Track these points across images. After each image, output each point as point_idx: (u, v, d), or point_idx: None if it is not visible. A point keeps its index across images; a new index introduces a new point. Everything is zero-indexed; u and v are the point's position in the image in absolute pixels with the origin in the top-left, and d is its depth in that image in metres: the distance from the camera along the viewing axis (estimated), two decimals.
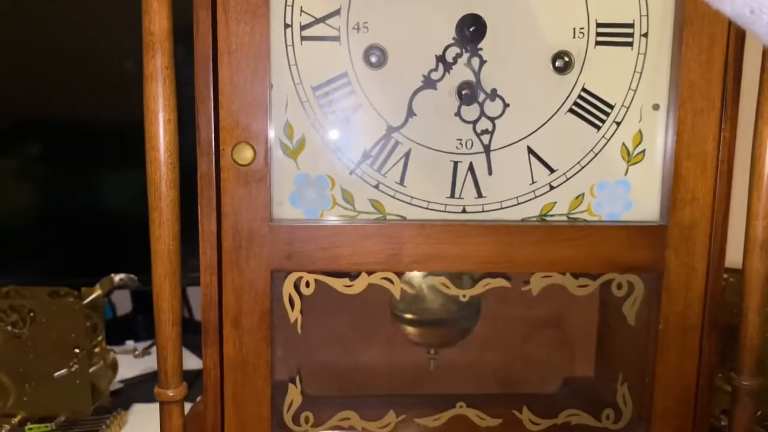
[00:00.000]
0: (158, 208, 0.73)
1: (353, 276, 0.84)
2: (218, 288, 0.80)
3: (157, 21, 0.70)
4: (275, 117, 0.82)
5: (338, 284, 0.84)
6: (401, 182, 0.85)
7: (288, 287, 0.84)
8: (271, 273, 0.80)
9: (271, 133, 0.82)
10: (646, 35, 0.83)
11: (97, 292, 1.16)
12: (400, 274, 0.85)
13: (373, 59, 0.82)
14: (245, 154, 0.77)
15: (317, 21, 0.81)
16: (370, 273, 0.83)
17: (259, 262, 0.80)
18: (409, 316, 0.97)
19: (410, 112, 0.83)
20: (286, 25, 0.81)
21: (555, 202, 0.87)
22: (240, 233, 0.79)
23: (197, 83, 0.76)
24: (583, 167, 0.86)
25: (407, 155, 0.84)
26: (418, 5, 0.82)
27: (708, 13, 0.79)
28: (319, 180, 0.84)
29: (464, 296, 0.87)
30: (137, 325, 1.52)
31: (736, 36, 0.79)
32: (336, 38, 0.82)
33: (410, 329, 1.01)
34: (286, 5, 0.81)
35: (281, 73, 0.82)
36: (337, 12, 0.81)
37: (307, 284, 0.84)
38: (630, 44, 0.84)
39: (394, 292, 0.85)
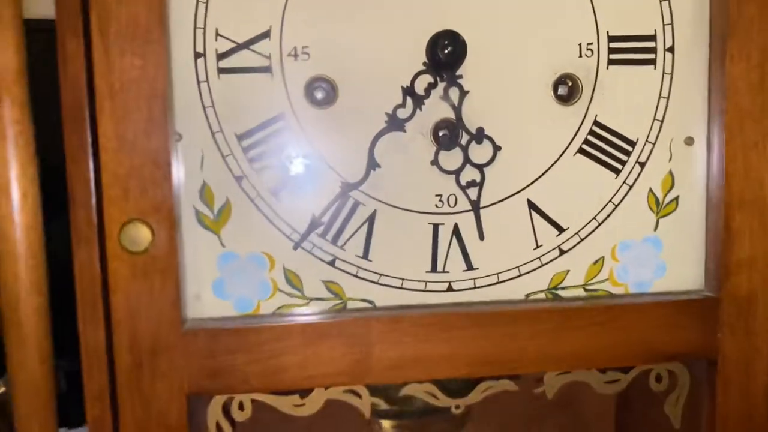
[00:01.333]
0: (17, 322, 0.51)
1: (305, 392, 0.61)
2: (113, 426, 0.56)
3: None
4: (186, 179, 0.61)
5: (285, 404, 0.61)
6: (365, 255, 0.64)
7: (214, 413, 0.61)
8: (187, 398, 0.57)
9: (181, 202, 0.60)
10: (671, 50, 0.65)
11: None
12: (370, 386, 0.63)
13: (319, 95, 0.62)
14: (140, 237, 0.54)
15: (240, 47, 0.61)
16: (327, 387, 0.61)
17: (169, 385, 0.57)
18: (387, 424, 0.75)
19: (372, 163, 0.62)
20: (198, 54, 0.60)
21: (568, 271, 0.66)
22: (140, 345, 0.56)
23: (67, 140, 0.54)
24: (600, 223, 0.66)
25: (371, 219, 0.64)
26: (374, 21, 0.61)
27: (758, 17, 0.60)
28: (252, 260, 0.63)
29: (458, 407, 0.65)
30: None
31: None
32: (267, 69, 0.61)
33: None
34: (195, 27, 0.60)
35: (193, 118, 0.61)
36: (266, 34, 0.61)
37: (242, 406, 0.61)
38: (652, 62, 0.65)
39: (363, 409, 0.62)
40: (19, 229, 0.51)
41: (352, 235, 0.63)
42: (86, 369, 0.56)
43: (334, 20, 0.61)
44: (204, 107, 0.60)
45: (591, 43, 0.64)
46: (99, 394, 0.56)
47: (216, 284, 0.62)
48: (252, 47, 0.61)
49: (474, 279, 0.65)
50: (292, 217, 0.62)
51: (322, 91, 0.62)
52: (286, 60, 0.61)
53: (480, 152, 0.64)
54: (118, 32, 0.54)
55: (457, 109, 0.63)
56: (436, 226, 0.65)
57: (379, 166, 0.62)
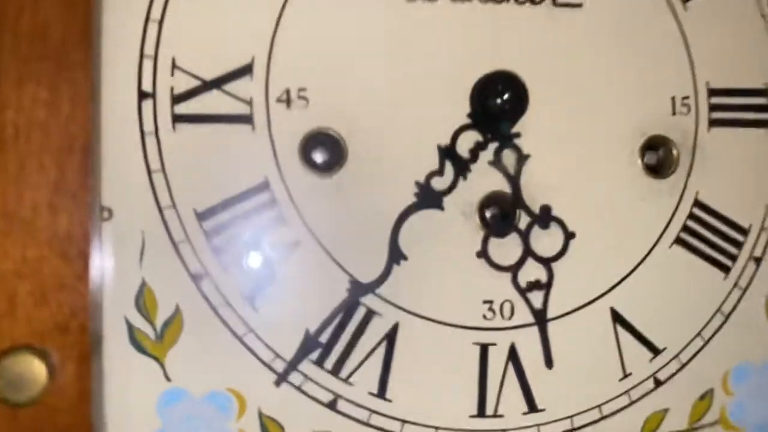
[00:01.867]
0: None
1: None
2: None
3: None
4: (115, 278, 0.42)
5: None
6: (381, 393, 0.46)
7: None
8: None
9: (103, 315, 0.41)
10: None
11: None
12: None
13: (320, 157, 0.45)
14: (27, 376, 0.33)
15: (208, 86, 0.43)
16: None
17: None
18: None
19: (396, 255, 0.45)
20: (143, 94, 0.42)
21: (666, 410, 0.50)
22: None
23: None
24: (707, 341, 0.51)
25: (391, 337, 0.46)
26: (400, 56, 0.46)
27: None
28: (211, 401, 0.43)
29: None
30: None
31: None
32: (245, 118, 0.44)
33: None
34: (142, 55, 0.42)
35: (131, 187, 0.43)
36: (247, 69, 0.44)
37: None
38: (766, 123, 0.50)
39: None
40: None
41: (363, 362, 0.45)
42: None
43: (347, 53, 0.45)
44: (149, 171, 0.43)
45: (687, 98, 0.50)
46: None
47: None
48: (225, 86, 0.43)
49: (538, 426, 0.48)
50: (275, 335, 0.44)
51: (325, 152, 0.45)
52: (274, 106, 0.44)
53: (546, 241, 0.48)
54: (17, 50, 0.35)
55: (515, 180, 0.47)
56: (484, 348, 0.47)
57: (405, 258, 0.45)
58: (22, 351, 0.33)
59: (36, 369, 0.33)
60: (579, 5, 0.48)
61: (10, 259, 0.35)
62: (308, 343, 0.44)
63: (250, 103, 0.44)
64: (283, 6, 0.44)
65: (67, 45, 0.36)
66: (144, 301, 0.42)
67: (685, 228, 0.50)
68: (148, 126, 0.43)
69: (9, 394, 0.32)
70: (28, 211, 0.36)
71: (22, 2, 0.35)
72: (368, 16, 0.46)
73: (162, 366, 0.43)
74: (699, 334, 0.50)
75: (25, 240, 0.35)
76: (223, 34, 0.44)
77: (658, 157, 0.50)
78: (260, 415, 0.44)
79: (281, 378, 0.43)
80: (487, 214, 0.47)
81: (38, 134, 0.36)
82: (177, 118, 0.43)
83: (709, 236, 0.50)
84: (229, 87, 0.43)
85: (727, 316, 0.51)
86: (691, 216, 0.50)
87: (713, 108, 0.50)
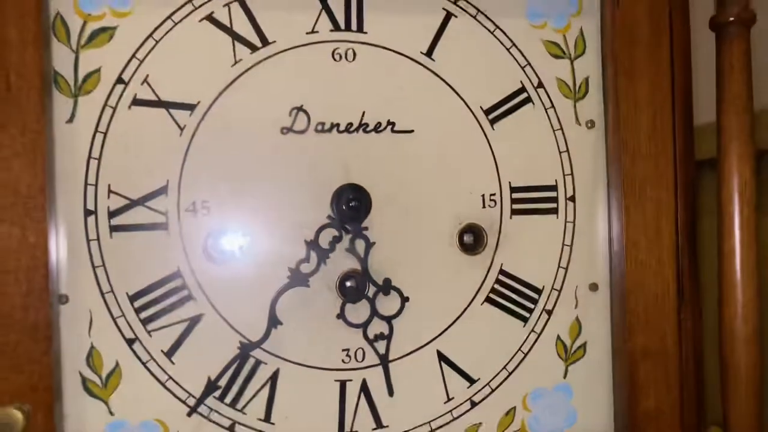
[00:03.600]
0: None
1: None
2: None
3: None
4: (71, 344, 0.56)
5: None
6: (267, 419, 0.60)
7: None
8: None
9: (63, 371, 0.55)
10: (573, 198, 0.66)
11: None
12: None
13: (218, 251, 0.59)
14: (11, 423, 0.49)
15: (134, 204, 0.58)
16: None
17: None
18: None
19: (274, 321, 0.60)
20: (88, 212, 0.57)
21: (480, 423, 0.65)
22: None
23: None
24: (510, 373, 0.65)
25: (274, 379, 0.61)
26: (277, 175, 0.60)
27: (653, 173, 0.62)
28: (144, 428, 0.58)
29: None
30: None
31: (686, 199, 0.62)
32: (163, 225, 0.59)
33: None
34: (86, 184, 0.57)
35: (81, 278, 0.57)
36: (162, 190, 0.58)
37: None
38: (554, 211, 0.66)
39: None
40: None
41: (253, 397, 0.60)
42: None
43: (237, 174, 0.59)
44: (94, 267, 0.57)
45: (494, 194, 0.65)
46: None
47: None
48: (148, 203, 0.58)
49: None
50: (188, 380, 0.59)
51: (222, 247, 0.59)
52: (183, 215, 0.59)
53: (387, 304, 0.62)
54: None
55: (364, 261, 0.61)
56: (343, 383, 0.62)
57: (281, 323, 0.60)
58: (6, 406, 0.49)
59: (16, 417, 0.49)
60: (411, 131, 0.62)
61: None
62: (210, 386, 0.58)
63: (165, 214, 0.58)
64: (189, 142, 0.58)
65: (31, 194, 0.51)
66: (93, 360, 0.56)
67: (493, 290, 0.64)
68: (92, 234, 0.57)
69: None
70: (6, 310, 0.51)
71: None
72: (253, 146, 0.59)
73: (107, 405, 0.57)
74: (504, 367, 0.64)
75: (5, 331, 0.51)
76: (145, 164, 0.57)
77: (472, 238, 0.64)
78: None
79: (192, 410, 0.58)
80: (345, 286, 0.61)
81: (12, 258, 0.51)
82: (113, 228, 0.57)
83: (512, 295, 0.64)
84: (150, 203, 0.58)
85: (526, 354, 0.65)
86: (498, 281, 0.64)
87: (515, 201, 0.65)
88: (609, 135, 0.65)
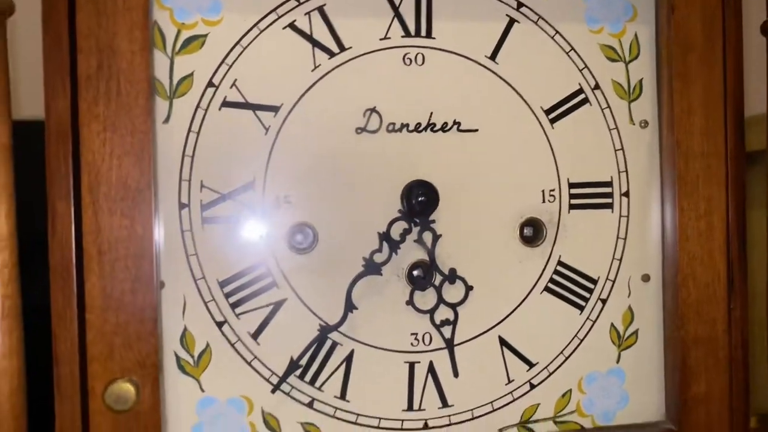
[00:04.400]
0: None
1: None
2: None
3: None
4: (168, 325, 0.62)
5: None
6: (343, 396, 0.65)
7: None
8: None
9: (163, 351, 0.60)
10: (627, 194, 0.70)
11: None
12: None
13: (299, 241, 0.64)
14: (125, 396, 0.55)
15: (224, 198, 0.63)
16: None
17: None
18: None
19: (350, 306, 0.64)
20: (182, 205, 0.62)
21: (538, 404, 0.69)
22: None
23: (54, 298, 0.55)
24: (567, 357, 0.69)
25: (349, 359, 0.65)
26: (352, 173, 0.65)
27: (703, 172, 0.66)
28: (231, 404, 0.63)
29: None
30: None
31: (736, 197, 0.66)
32: (250, 218, 0.64)
33: None
34: (180, 180, 0.62)
35: (176, 266, 0.62)
36: (250, 185, 0.63)
37: None
38: (610, 206, 0.70)
39: None
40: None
41: (330, 376, 0.65)
42: None
43: (316, 171, 0.64)
44: (188, 255, 0.62)
45: (553, 190, 0.69)
46: None
47: (195, 430, 0.62)
48: (236, 197, 0.63)
49: (449, 416, 0.67)
50: (271, 360, 0.63)
51: (303, 238, 0.64)
52: (268, 209, 0.64)
53: (453, 292, 0.66)
54: (108, 194, 0.56)
55: (431, 252, 0.66)
56: (411, 365, 0.66)
57: (356, 308, 0.64)
58: (120, 381, 0.54)
59: (129, 392, 0.54)
60: (476, 130, 0.67)
61: (110, 324, 0.56)
62: (292, 365, 0.63)
63: (252, 207, 0.63)
64: (274, 141, 0.63)
65: (139, 188, 0.56)
66: (186, 341, 0.62)
67: (552, 280, 0.68)
68: (186, 226, 0.62)
69: (115, 406, 0.54)
70: (117, 294, 0.57)
71: (110, 164, 0.56)
72: (330, 145, 0.64)
73: (198, 382, 0.62)
74: (561, 352, 0.68)
75: (117, 312, 0.56)
76: (234, 161, 0.62)
77: (532, 231, 0.68)
78: (263, 412, 0.63)
79: (275, 388, 0.63)
80: (413, 275, 0.65)
81: (122, 246, 0.56)
82: (205, 220, 0.62)
83: (569, 285, 0.68)
84: (238, 197, 0.63)
85: (582, 340, 0.69)
86: (556, 272, 0.68)
87: (572, 196, 0.69)
88: (663, 135, 0.69)
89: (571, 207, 0.69)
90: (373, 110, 0.65)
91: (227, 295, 0.63)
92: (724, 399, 0.65)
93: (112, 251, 0.56)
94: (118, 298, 0.56)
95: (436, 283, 0.66)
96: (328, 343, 0.65)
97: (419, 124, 0.66)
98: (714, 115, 0.66)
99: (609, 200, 0.70)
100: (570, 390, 0.69)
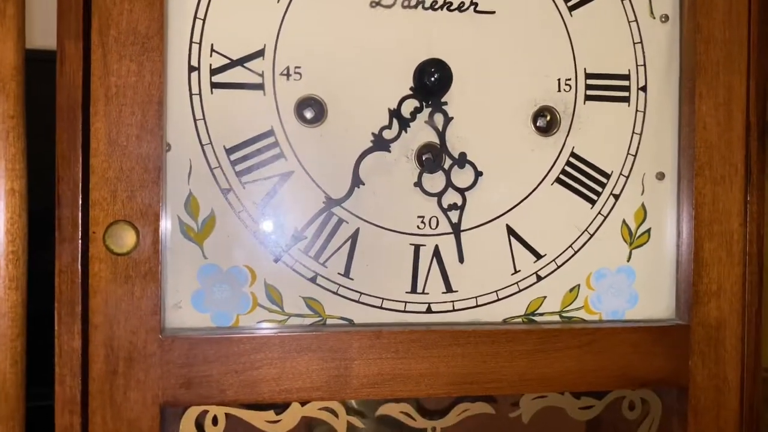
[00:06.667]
0: None
1: (280, 407, 0.60)
2: None
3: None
4: (173, 188, 0.61)
5: (259, 419, 0.60)
6: (346, 273, 0.64)
7: (187, 427, 0.59)
8: (161, 409, 0.56)
9: (166, 210, 0.60)
10: (644, 89, 0.68)
11: None
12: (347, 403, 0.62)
13: (308, 114, 0.63)
14: (125, 239, 0.54)
15: (234, 63, 0.62)
16: (304, 403, 0.60)
17: (143, 394, 0.55)
18: None
19: (357, 181, 0.63)
20: (192, 68, 0.61)
21: (544, 297, 0.68)
22: (116, 352, 0.55)
23: (59, 139, 0.54)
24: (576, 251, 0.68)
25: (354, 237, 0.64)
26: (366, 46, 0.64)
27: (724, 59, 0.64)
28: (233, 273, 0.62)
29: (434, 429, 0.64)
30: None
31: (757, 86, 0.64)
32: (259, 86, 0.63)
33: None
34: (191, 42, 0.61)
35: (183, 129, 0.61)
36: (260, 53, 0.62)
37: (215, 421, 0.60)
38: (626, 99, 0.68)
39: (338, 429, 0.61)
40: (2, 223, 0.50)
41: (335, 253, 0.64)
42: (59, 374, 0.54)
43: (327, 43, 0.63)
44: (195, 119, 0.61)
45: (569, 79, 0.67)
46: (70, 401, 0.54)
47: (196, 296, 0.61)
48: (246, 64, 0.62)
49: (453, 302, 0.66)
50: (276, 231, 0.63)
51: (312, 110, 0.63)
52: (278, 78, 0.63)
53: (462, 177, 0.65)
54: (118, 38, 0.55)
55: (441, 134, 0.65)
56: (417, 247, 0.65)
57: (363, 183, 0.64)
58: (121, 223, 0.54)
59: (130, 235, 0.54)
60: (493, 12, 0.65)
61: (114, 169, 0.56)
62: (297, 235, 0.62)
63: (261, 75, 0.62)
64: (285, 11, 0.62)
65: (149, 35, 0.55)
66: (191, 206, 0.61)
67: (564, 171, 0.67)
68: (195, 89, 0.61)
69: (114, 247, 0.53)
70: (123, 139, 0.56)
71: (122, 8, 0.56)
72: (343, 18, 0.63)
73: (201, 248, 0.61)
74: (570, 245, 0.67)
75: (122, 158, 0.55)
76: (245, 29, 0.61)
77: (546, 120, 0.67)
78: (265, 284, 0.62)
79: (278, 259, 0.63)
80: (423, 157, 0.64)
81: (130, 92, 0.55)
82: (214, 85, 0.61)
83: (581, 178, 0.67)
84: (249, 64, 0.62)
85: (592, 235, 0.67)
86: (568, 163, 0.67)
87: (589, 87, 0.67)
88: (684, 22, 0.67)
89: (587, 98, 0.68)
90: None
91: (233, 163, 0.62)
92: (737, 291, 0.64)
93: (119, 96, 0.55)
94: (123, 144, 0.55)
95: (446, 166, 0.65)
96: (333, 219, 0.64)
97: (435, 1, 0.65)
98: (737, 0, 0.64)
99: (626, 93, 0.68)
100: (578, 285, 0.68)
